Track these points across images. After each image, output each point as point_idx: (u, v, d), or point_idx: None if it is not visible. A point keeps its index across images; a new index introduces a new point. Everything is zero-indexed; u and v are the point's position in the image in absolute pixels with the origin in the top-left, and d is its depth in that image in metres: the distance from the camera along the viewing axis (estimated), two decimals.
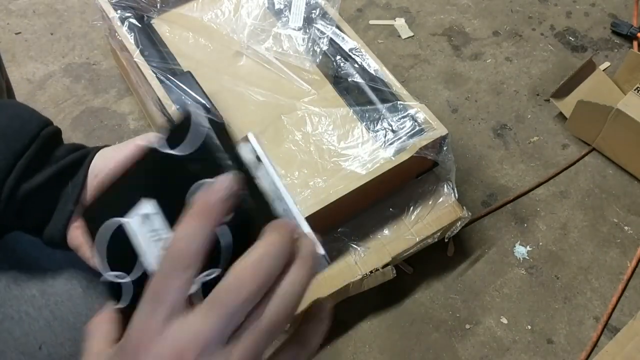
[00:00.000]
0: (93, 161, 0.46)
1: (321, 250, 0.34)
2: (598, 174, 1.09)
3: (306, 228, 0.36)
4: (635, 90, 1.01)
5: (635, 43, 1.25)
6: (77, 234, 0.45)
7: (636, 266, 0.98)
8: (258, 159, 0.42)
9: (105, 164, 0.46)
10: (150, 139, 0.42)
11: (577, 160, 1.10)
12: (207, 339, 0.27)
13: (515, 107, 1.17)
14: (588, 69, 1.12)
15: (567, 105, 1.12)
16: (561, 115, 1.14)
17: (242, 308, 0.28)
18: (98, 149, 0.48)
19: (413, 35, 1.27)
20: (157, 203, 0.37)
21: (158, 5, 0.97)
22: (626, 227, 1.02)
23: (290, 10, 0.97)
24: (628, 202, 1.05)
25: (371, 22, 1.30)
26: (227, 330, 0.28)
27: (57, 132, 0.48)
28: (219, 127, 0.39)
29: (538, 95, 1.19)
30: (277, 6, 0.98)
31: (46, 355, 0.49)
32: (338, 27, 0.94)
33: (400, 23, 1.30)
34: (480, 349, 0.91)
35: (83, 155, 0.47)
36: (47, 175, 0.45)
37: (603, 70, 1.18)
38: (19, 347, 0.48)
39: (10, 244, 0.52)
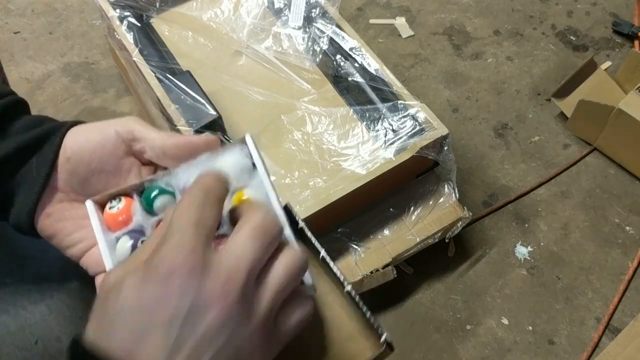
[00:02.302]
0: (66, 140, 0.42)
1: (309, 280, 0.37)
2: (599, 173, 1.08)
3: (295, 246, 0.37)
4: (636, 89, 1.01)
5: (636, 42, 1.24)
6: (49, 222, 0.42)
7: (637, 266, 0.97)
8: (253, 165, 0.41)
9: (79, 146, 0.41)
10: (129, 125, 0.41)
11: (579, 160, 1.10)
12: (254, 262, 0.32)
13: (516, 107, 1.17)
14: (589, 68, 1.12)
15: (568, 104, 1.12)
16: (562, 115, 1.14)
17: (274, 243, 0.33)
18: (69, 125, 0.43)
19: (414, 35, 1.27)
20: None
21: (157, 4, 0.97)
22: (627, 227, 1.02)
23: (290, 10, 0.97)
24: (629, 202, 1.04)
25: (371, 21, 1.29)
26: (263, 260, 0.32)
27: (18, 102, 0.44)
28: None
29: (539, 94, 1.19)
30: (276, 5, 0.98)
31: (42, 350, 0.48)
32: (338, 26, 0.94)
33: (400, 22, 1.29)
34: (481, 349, 0.90)
35: (50, 131, 0.42)
36: (4, 151, 0.41)
37: (604, 70, 1.17)
38: (15, 342, 0.48)
39: (3, 236, 0.50)
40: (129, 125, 0.42)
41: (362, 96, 0.89)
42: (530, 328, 0.92)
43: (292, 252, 0.34)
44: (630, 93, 1.01)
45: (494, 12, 1.31)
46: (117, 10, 0.92)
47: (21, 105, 0.44)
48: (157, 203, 0.40)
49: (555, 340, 0.91)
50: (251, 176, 0.41)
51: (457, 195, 0.89)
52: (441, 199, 0.89)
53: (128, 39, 0.90)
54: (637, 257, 0.98)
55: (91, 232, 0.40)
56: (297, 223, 0.41)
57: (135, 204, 0.41)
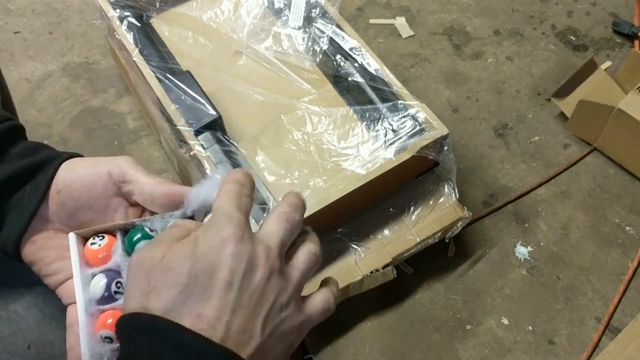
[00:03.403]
0: (59, 172, 0.43)
1: None
2: (599, 174, 1.08)
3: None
4: (636, 89, 1.01)
5: (636, 42, 1.24)
6: (32, 249, 0.43)
7: (637, 266, 0.97)
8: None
9: (71, 181, 0.42)
10: (122, 166, 0.43)
11: (579, 160, 1.10)
12: (282, 239, 0.37)
13: (516, 107, 1.17)
14: (589, 68, 1.12)
15: (568, 104, 1.12)
16: (562, 115, 1.14)
17: (297, 227, 0.39)
18: (64, 157, 0.44)
19: (414, 35, 1.27)
20: None
21: (157, 4, 0.97)
22: (627, 228, 1.02)
23: (290, 10, 0.97)
24: (629, 202, 1.04)
25: (371, 21, 1.29)
26: (289, 240, 0.38)
27: (16, 128, 0.45)
28: None
29: (539, 94, 1.19)
30: (276, 5, 0.98)
31: (35, 355, 0.49)
32: (338, 26, 0.94)
33: (400, 22, 1.29)
34: (481, 349, 0.90)
35: (45, 160, 0.43)
36: (3, 176, 0.42)
37: (604, 70, 1.17)
38: (7, 347, 0.48)
39: None
40: (121, 167, 0.43)
41: (362, 96, 0.89)
42: (530, 328, 0.92)
43: (312, 245, 0.40)
44: (630, 93, 1.01)
45: (494, 12, 1.31)
46: (117, 10, 0.92)
47: (18, 131, 0.45)
48: (138, 247, 0.41)
49: (555, 340, 0.91)
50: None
51: (457, 195, 0.89)
52: (441, 199, 0.89)
53: (128, 39, 0.90)
54: (637, 257, 0.98)
55: (70, 264, 0.42)
56: None
57: (117, 243, 0.42)
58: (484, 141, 1.12)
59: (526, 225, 1.02)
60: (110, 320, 0.39)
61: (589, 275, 0.97)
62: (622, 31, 1.26)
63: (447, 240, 0.90)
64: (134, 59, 0.87)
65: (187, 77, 0.86)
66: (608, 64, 1.22)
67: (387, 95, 0.87)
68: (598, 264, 0.98)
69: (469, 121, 1.15)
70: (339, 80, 0.91)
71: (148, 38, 0.93)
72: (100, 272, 0.41)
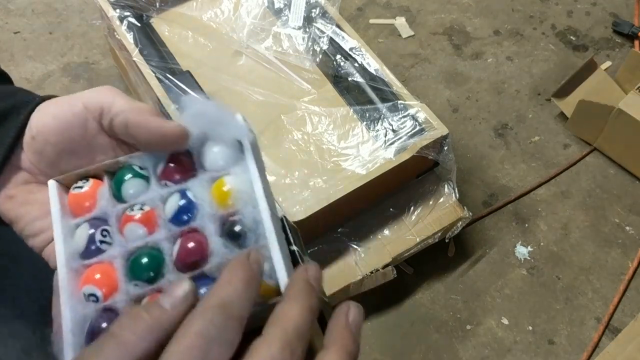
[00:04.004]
0: (32, 117, 0.37)
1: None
2: (599, 174, 1.08)
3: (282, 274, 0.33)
4: (636, 89, 1.01)
5: (636, 42, 1.24)
6: (11, 206, 0.37)
7: (637, 266, 0.97)
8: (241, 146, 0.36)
9: (44, 124, 0.36)
10: (98, 97, 0.36)
11: (579, 160, 1.10)
12: None
13: (516, 107, 1.17)
14: (589, 68, 1.12)
15: (568, 104, 1.12)
16: (562, 115, 1.14)
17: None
18: (38, 100, 0.38)
19: (414, 35, 1.27)
20: None
21: (157, 4, 0.97)
22: (627, 227, 1.02)
23: (290, 9, 0.97)
24: (629, 202, 1.04)
25: (371, 21, 1.29)
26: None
27: None
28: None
29: (539, 94, 1.19)
30: (276, 5, 0.98)
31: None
32: (338, 26, 0.94)
33: (400, 22, 1.29)
34: (481, 350, 0.90)
35: (15, 106, 0.37)
36: None
37: (604, 70, 1.17)
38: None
39: None
40: (97, 98, 0.36)
41: (362, 96, 0.89)
42: (530, 328, 0.92)
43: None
44: (630, 93, 1.01)
45: (494, 12, 1.31)
46: (117, 10, 0.92)
47: None
48: (128, 189, 0.36)
49: (555, 340, 0.91)
50: (236, 161, 0.36)
51: (457, 195, 0.89)
52: (441, 199, 0.89)
53: (128, 39, 0.90)
54: (637, 257, 0.98)
55: None
56: (288, 237, 0.36)
57: (103, 187, 0.36)
58: (484, 141, 1.12)
59: (526, 225, 1.02)
60: (97, 276, 0.33)
61: (589, 275, 0.97)
62: (622, 31, 1.26)
63: (447, 240, 0.90)
64: (134, 59, 0.87)
65: (187, 77, 0.86)
66: (608, 64, 1.22)
67: (387, 95, 0.87)
68: (598, 264, 0.98)
69: (469, 121, 1.15)
70: (339, 80, 0.91)
71: (148, 38, 0.93)
72: (85, 221, 0.35)
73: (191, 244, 0.33)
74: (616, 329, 0.92)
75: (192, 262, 0.33)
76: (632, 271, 0.97)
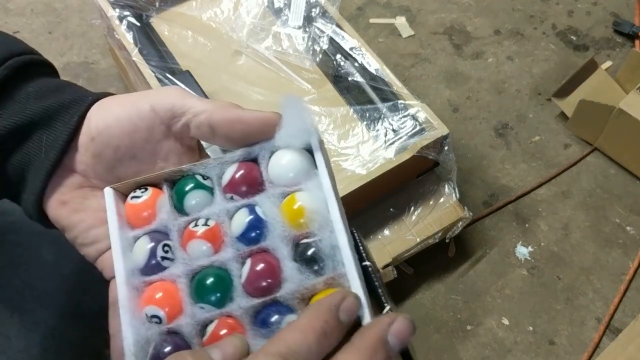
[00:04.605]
0: (89, 116, 0.34)
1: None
2: (600, 173, 1.08)
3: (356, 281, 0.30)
4: (637, 89, 1.01)
5: (637, 42, 1.24)
6: (64, 213, 0.34)
7: (638, 267, 0.97)
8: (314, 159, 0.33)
9: (107, 125, 0.33)
10: (167, 98, 0.33)
11: (579, 160, 1.09)
12: None
13: (517, 107, 1.17)
14: (590, 68, 1.12)
15: (568, 104, 1.11)
16: (563, 115, 1.13)
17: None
18: (94, 97, 0.35)
19: (414, 34, 1.27)
20: None
21: (157, 3, 0.97)
22: (628, 228, 1.02)
23: (290, 9, 0.97)
24: (630, 202, 1.04)
25: (371, 20, 1.29)
26: None
27: (36, 62, 0.36)
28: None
29: (539, 94, 1.18)
30: (276, 5, 0.98)
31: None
32: (338, 26, 0.93)
33: (400, 22, 1.29)
34: (482, 350, 0.90)
35: (69, 103, 0.34)
36: (12, 123, 0.33)
37: (605, 70, 1.17)
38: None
39: None
40: (166, 99, 0.33)
41: (362, 96, 0.89)
42: (531, 328, 0.92)
43: None
44: (631, 93, 1.01)
45: (494, 12, 1.31)
46: (117, 10, 0.92)
47: (39, 66, 0.36)
48: (190, 200, 0.33)
49: (556, 341, 0.91)
50: (308, 176, 0.33)
51: (458, 195, 0.89)
52: (441, 199, 0.89)
53: (127, 38, 0.89)
54: (638, 257, 0.98)
55: None
56: (362, 256, 0.33)
57: (163, 197, 0.34)
58: (484, 141, 1.12)
59: (527, 225, 1.02)
60: (158, 295, 0.31)
61: (590, 275, 0.97)
62: (622, 31, 1.26)
63: (447, 241, 0.90)
64: (134, 58, 0.87)
65: (187, 76, 0.86)
66: (609, 63, 1.22)
67: (387, 95, 0.87)
68: (599, 264, 0.98)
69: (469, 121, 1.14)
70: (339, 80, 0.91)
71: (148, 38, 0.92)
72: (144, 234, 0.33)
73: (263, 267, 0.31)
74: (617, 329, 0.92)
75: (264, 287, 0.31)
76: (632, 271, 0.97)
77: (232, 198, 0.34)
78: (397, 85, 0.87)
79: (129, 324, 0.30)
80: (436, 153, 0.83)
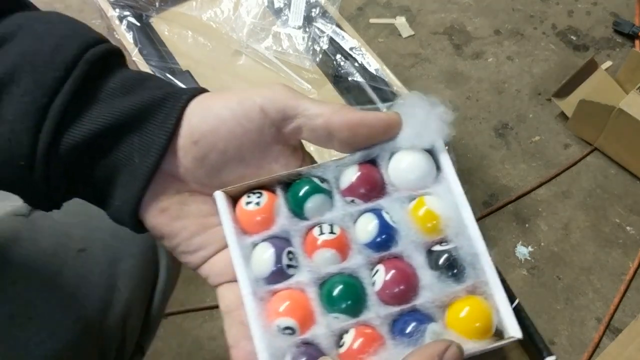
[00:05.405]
0: (188, 116, 0.31)
1: None
2: (600, 173, 1.08)
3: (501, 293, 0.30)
4: (637, 89, 1.01)
5: (637, 42, 1.24)
6: (165, 221, 0.32)
7: (638, 266, 0.97)
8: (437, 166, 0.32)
9: (211, 128, 0.31)
10: (278, 99, 0.31)
11: (579, 160, 1.09)
12: None
13: (517, 107, 1.17)
14: (590, 68, 1.12)
15: (568, 104, 1.11)
16: (563, 115, 1.14)
17: None
18: (189, 94, 0.31)
19: (414, 34, 1.27)
20: None
21: (157, 3, 0.97)
22: (628, 228, 1.02)
23: (290, 9, 0.97)
24: (630, 202, 1.04)
25: (371, 20, 1.29)
26: None
27: (112, 53, 0.32)
28: None
29: (539, 94, 1.18)
30: (276, 5, 0.98)
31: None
32: (338, 26, 0.93)
33: (400, 22, 1.29)
34: None
35: (161, 101, 0.31)
36: (99, 126, 0.30)
37: (605, 70, 1.17)
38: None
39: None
40: (278, 99, 0.31)
41: (362, 96, 0.89)
42: None
43: None
44: (631, 93, 1.01)
45: (494, 12, 1.31)
46: (117, 10, 0.92)
47: (115, 57, 0.32)
48: (309, 204, 0.31)
49: (556, 341, 0.91)
50: (432, 178, 0.32)
51: None
52: None
53: (128, 38, 0.89)
54: (638, 257, 0.98)
55: (216, 235, 0.32)
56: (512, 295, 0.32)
57: (279, 202, 0.32)
58: (484, 141, 1.12)
59: (527, 225, 1.02)
60: (286, 304, 0.30)
61: (590, 275, 0.97)
62: (622, 31, 1.26)
63: None
64: (134, 58, 0.87)
65: (187, 76, 0.86)
66: (609, 63, 1.22)
67: (387, 95, 0.87)
68: (599, 264, 0.98)
69: (469, 121, 1.14)
70: (339, 80, 0.91)
71: (148, 38, 0.92)
72: (264, 240, 0.31)
73: (398, 274, 0.30)
74: (617, 329, 0.92)
75: (400, 294, 0.30)
76: (632, 271, 0.97)
77: (352, 201, 0.32)
78: (397, 85, 0.87)
79: (261, 338, 0.29)
80: None
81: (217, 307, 0.95)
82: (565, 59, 1.23)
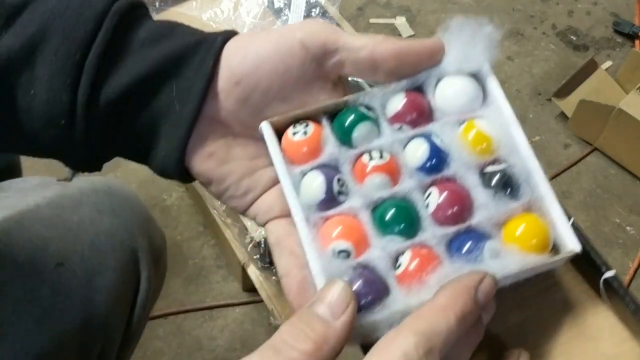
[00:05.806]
0: (227, 58, 0.31)
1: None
2: (600, 173, 1.08)
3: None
4: (637, 89, 1.01)
5: (637, 42, 1.24)
6: (213, 166, 0.32)
7: (638, 266, 0.97)
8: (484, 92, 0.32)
9: (254, 67, 0.30)
10: (317, 34, 0.31)
11: (579, 160, 1.09)
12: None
13: (517, 107, 1.17)
14: (590, 68, 1.12)
15: (569, 104, 1.11)
16: (563, 115, 1.14)
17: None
18: (223, 37, 0.31)
19: (414, 34, 1.27)
20: None
21: (157, 3, 0.97)
22: (628, 228, 1.02)
23: (290, 9, 0.97)
24: (630, 202, 1.04)
25: (372, 20, 1.29)
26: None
27: (135, 4, 0.31)
28: None
29: (540, 94, 1.18)
30: (276, 5, 0.98)
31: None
32: (338, 26, 0.93)
33: (400, 22, 1.29)
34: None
35: (195, 46, 0.31)
36: (135, 76, 0.30)
37: (605, 70, 1.17)
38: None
39: None
40: (318, 34, 0.30)
41: None
42: None
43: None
44: (631, 93, 1.01)
45: (494, 12, 1.31)
46: None
47: (140, 9, 0.32)
48: (357, 132, 0.31)
49: None
50: (480, 101, 0.33)
51: None
52: None
53: None
54: (638, 257, 0.98)
55: (264, 176, 0.32)
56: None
57: (326, 131, 0.32)
58: None
59: None
60: (340, 228, 0.30)
61: None
62: (622, 31, 1.26)
63: None
64: None
65: None
66: (609, 63, 1.22)
67: None
68: None
69: None
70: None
71: None
72: (313, 169, 0.31)
73: (452, 194, 0.30)
74: None
75: (455, 215, 0.30)
76: (632, 271, 0.97)
77: (400, 128, 0.32)
78: None
79: (317, 261, 0.29)
80: None
81: (217, 307, 0.95)
82: (565, 59, 1.23)
